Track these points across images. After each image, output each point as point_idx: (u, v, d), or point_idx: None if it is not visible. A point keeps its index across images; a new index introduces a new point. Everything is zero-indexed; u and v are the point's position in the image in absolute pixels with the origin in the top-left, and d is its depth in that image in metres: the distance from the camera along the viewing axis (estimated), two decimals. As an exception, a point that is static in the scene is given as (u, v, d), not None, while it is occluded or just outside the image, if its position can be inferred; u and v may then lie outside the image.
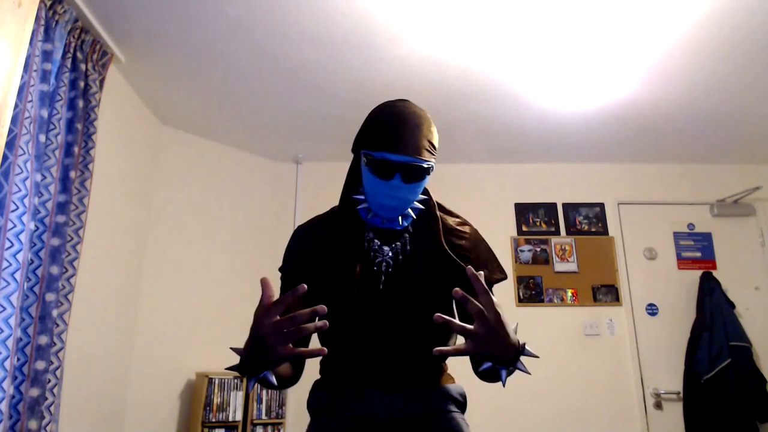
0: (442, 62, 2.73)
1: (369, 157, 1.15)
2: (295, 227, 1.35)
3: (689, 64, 2.73)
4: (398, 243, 1.23)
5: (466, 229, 1.30)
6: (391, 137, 1.12)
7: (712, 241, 3.79)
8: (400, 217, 1.22)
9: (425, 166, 1.15)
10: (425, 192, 1.28)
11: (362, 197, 1.24)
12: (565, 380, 3.51)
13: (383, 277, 1.20)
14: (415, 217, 1.25)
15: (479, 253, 1.27)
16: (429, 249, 1.23)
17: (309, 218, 1.36)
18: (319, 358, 1.30)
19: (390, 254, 1.22)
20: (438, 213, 1.28)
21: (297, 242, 1.30)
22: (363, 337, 1.21)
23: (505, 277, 1.29)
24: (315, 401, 1.27)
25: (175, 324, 3.27)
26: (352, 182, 1.26)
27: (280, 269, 1.30)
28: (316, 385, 1.30)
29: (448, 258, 1.22)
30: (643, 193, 3.90)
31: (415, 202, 1.24)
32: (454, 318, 1.27)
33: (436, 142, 1.18)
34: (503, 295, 3.58)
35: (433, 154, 1.17)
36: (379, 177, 1.14)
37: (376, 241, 1.23)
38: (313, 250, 1.26)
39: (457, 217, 1.33)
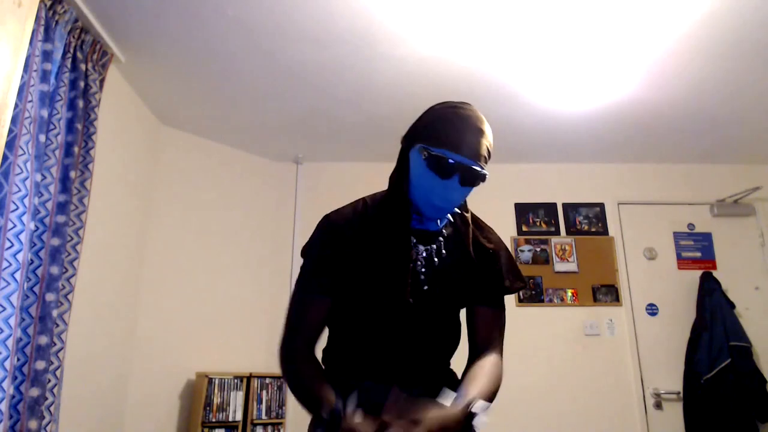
0: (442, 62, 2.73)
1: (429, 153, 1.12)
2: (324, 216, 1.27)
3: (689, 64, 2.73)
4: (433, 246, 1.22)
5: (493, 237, 1.31)
6: (456, 137, 1.10)
7: (712, 241, 3.78)
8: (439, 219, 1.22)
9: (483, 173, 1.13)
10: None
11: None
12: (565, 380, 3.51)
13: (422, 278, 1.20)
14: (452, 219, 1.25)
15: (502, 261, 1.28)
16: (459, 255, 1.24)
17: (307, 219, 1.36)
18: (322, 350, 1.30)
19: (424, 254, 1.21)
20: (470, 220, 1.28)
21: (330, 232, 1.22)
22: (383, 334, 1.21)
23: (524, 286, 1.30)
24: None
25: (175, 324, 3.26)
26: (401, 177, 1.21)
27: (306, 254, 1.24)
28: None
29: (475, 267, 1.23)
30: (643, 193, 3.90)
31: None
32: (460, 322, 1.29)
33: (492, 152, 1.17)
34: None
35: (487, 163, 1.16)
36: (436, 174, 1.12)
37: (412, 239, 1.22)
38: (349, 243, 1.20)
39: (483, 223, 1.34)
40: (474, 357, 1.22)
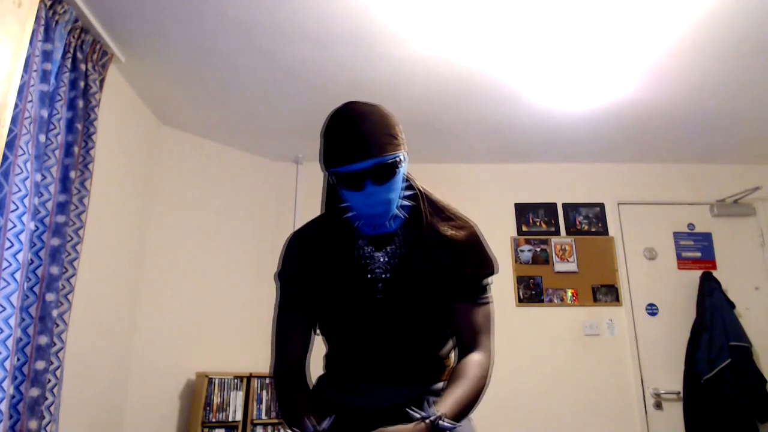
0: (442, 62, 2.73)
1: (336, 174, 1.13)
2: (291, 232, 1.35)
3: (689, 64, 2.73)
4: (390, 247, 1.22)
5: (455, 223, 1.25)
6: (346, 148, 1.09)
7: (712, 241, 3.78)
8: (389, 221, 1.21)
9: (390, 161, 1.11)
10: (412, 186, 1.24)
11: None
12: (565, 380, 3.51)
13: (380, 285, 1.20)
14: (405, 216, 1.23)
15: (467, 247, 1.23)
16: (420, 250, 1.22)
17: (306, 220, 1.36)
18: (323, 355, 1.33)
19: (384, 260, 1.21)
20: (424, 210, 1.24)
21: (293, 249, 1.30)
22: (363, 340, 1.22)
23: (491, 272, 1.24)
24: (315, 394, 1.29)
25: (175, 324, 3.26)
26: (334, 196, 1.24)
27: (278, 276, 1.30)
28: (319, 380, 1.32)
29: (436, 259, 1.20)
30: (643, 193, 3.90)
31: (403, 200, 1.21)
32: (446, 318, 1.26)
33: (397, 132, 1.14)
34: (503, 296, 3.59)
35: (399, 145, 1.14)
36: (352, 190, 1.12)
37: (367, 248, 1.22)
38: (309, 257, 1.26)
39: (446, 209, 1.28)
40: (460, 357, 1.22)
